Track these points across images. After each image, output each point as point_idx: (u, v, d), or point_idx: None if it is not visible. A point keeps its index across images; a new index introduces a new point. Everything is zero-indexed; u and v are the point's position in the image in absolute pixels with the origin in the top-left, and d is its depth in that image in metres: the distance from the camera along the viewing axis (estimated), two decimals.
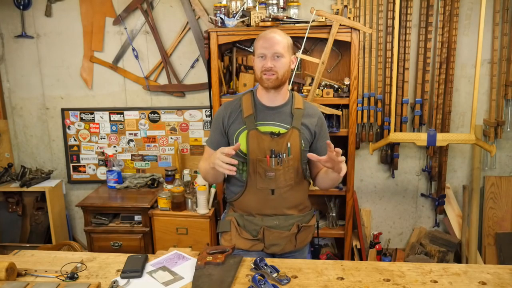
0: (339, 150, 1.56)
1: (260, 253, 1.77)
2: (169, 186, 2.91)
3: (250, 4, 2.77)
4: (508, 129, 2.99)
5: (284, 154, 1.74)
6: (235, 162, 1.55)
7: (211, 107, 2.84)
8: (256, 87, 1.87)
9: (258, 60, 1.74)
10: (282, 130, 1.76)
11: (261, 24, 2.55)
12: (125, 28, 3.09)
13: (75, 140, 3.32)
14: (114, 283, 1.47)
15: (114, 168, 3.17)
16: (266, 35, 1.74)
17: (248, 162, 1.75)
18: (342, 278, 1.49)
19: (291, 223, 1.80)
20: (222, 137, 1.82)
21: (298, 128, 1.77)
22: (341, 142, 2.84)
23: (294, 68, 1.94)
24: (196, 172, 3.13)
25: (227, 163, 1.55)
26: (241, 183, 1.81)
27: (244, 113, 1.78)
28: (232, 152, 1.57)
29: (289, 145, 1.75)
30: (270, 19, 2.57)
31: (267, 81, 1.72)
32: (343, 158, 1.58)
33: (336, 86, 2.74)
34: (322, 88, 2.73)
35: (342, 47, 2.83)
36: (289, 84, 2.64)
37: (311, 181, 1.93)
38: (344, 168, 1.63)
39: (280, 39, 1.72)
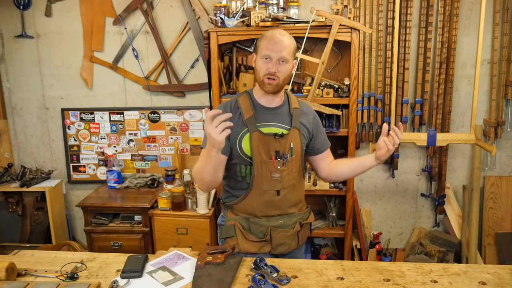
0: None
1: (267, 255, 1.77)
2: (169, 186, 2.91)
3: (250, 4, 2.77)
4: (508, 129, 2.99)
5: (288, 155, 1.74)
6: (228, 116, 1.44)
7: (211, 107, 2.84)
8: (252, 88, 1.86)
9: (262, 61, 1.68)
10: (285, 131, 1.76)
11: (261, 24, 2.55)
12: (125, 28, 3.09)
13: (75, 140, 3.31)
14: (114, 283, 1.47)
15: (114, 168, 3.17)
16: (275, 37, 1.67)
17: (253, 165, 1.74)
18: (342, 278, 1.50)
19: (294, 221, 1.81)
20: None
21: (298, 127, 1.78)
22: (341, 142, 2.85)
23: (293, 73, 1.92)
24: None
25: (221, 127, 1.44)
26: (244, 186, 1.78)
27: (244, 115, 1.75)
28: (219, 112, 1.45)
29: (292, 145, 1.75)
30: (270, 19, 2.57)
31: (268, 86, 1.69)
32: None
33: (336, 86, 2.74)
34: (322, 88, 2.73)
35: (342, 47, 2.83)
36: (289, 84, 2.65)
37: (312, 180, 1.93)
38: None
39: (288, 43, 1.67)
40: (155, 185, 3.16)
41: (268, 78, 1.67)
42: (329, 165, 1.91)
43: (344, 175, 1.92)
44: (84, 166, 3.36)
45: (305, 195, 1.92)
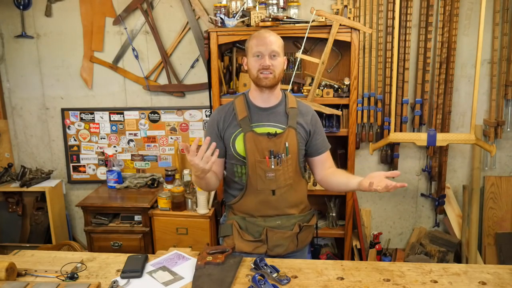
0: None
1: (264, 256, 1.76)
2: (169, 186, 2.91)
3: (250, 4, 2.77)
4: (508, 129, 2.99)
5: (283, 154, 1.74)
6: (212, 145, 1.53)
7: (211, 107, 2.84)
8: (248, 90, 1.87)
9: (254, 59, 1.73)
10: (279, 130, 1.76)
11: (261, 24, 2.55)
12: (125, 28, 3.09)
13: (75, 140, 3.32)
14: (114, 283, 1.47)
15: (114, 168, 3.17)
16: (260, 34, 1.74)
17: (247, 165, 1.74)
18: (342, 278, 1.50)
19: (293, 222, 1.80)
20: (219, 142, 1.80)
21: (295, 127, 1.77)
22: (341, 142, 2.85)
23: (294, 73, 1.93)
24: None
25: (205, 161, 1.54)
26: (241, 186, 1.80)
27: (238, 116, 1.77)
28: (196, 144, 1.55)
29: (287, 144, 1.74)
30: (270, 19, 2.57)
31: (265, 80, 1.71)
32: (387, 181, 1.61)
33: (336, 86, 2.74)
34: (322, 88, 2.73)
35: (342, 47, 2.83)
36: (289, 84, 2.65)
37: (312, 180, 1.93)
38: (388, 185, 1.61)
39: (274, 39, 1.73)
40: (155, 185, 3.16)
41: (262, 72, 1.70)
42: (326, 172, 1.86)
43: (332, 187, 1.83)
44: (84, 166, 3.36)
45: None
